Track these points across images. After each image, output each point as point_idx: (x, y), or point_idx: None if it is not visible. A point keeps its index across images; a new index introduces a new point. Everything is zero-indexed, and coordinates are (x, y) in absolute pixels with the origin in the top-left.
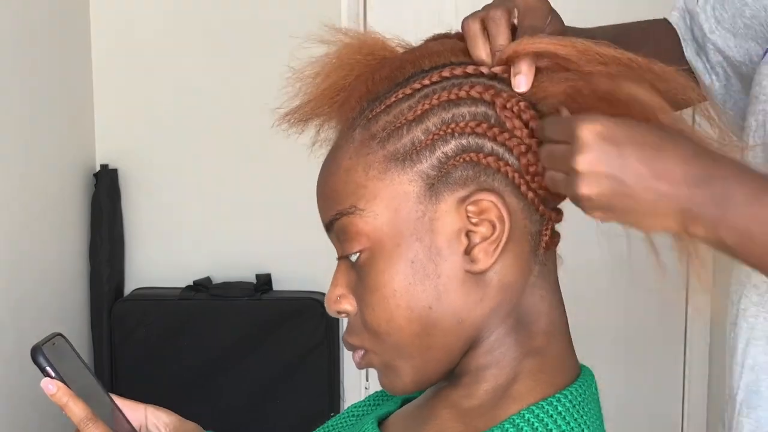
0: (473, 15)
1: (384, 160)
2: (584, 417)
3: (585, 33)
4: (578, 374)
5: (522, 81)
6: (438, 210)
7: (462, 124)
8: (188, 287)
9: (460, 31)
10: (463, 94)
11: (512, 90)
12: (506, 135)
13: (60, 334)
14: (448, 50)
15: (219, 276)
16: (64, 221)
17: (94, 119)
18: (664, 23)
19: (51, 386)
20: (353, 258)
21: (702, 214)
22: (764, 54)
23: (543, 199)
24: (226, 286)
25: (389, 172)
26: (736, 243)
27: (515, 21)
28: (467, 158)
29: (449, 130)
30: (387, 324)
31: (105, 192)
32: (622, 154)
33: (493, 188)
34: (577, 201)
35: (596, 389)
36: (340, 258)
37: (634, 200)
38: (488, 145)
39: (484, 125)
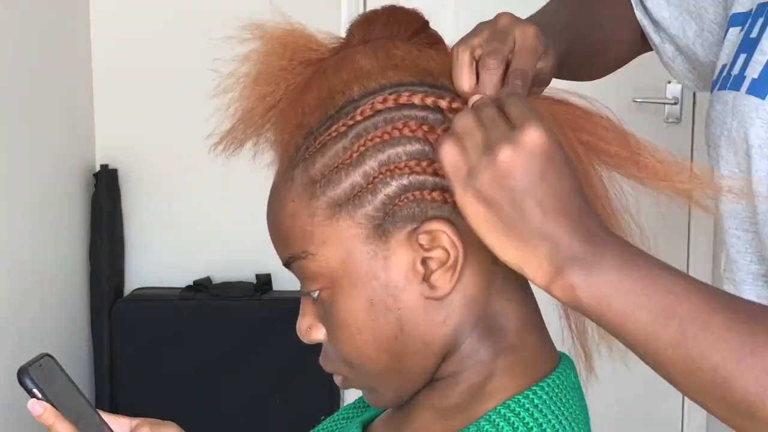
0: (465, 43)
1: (327, 206)
2: (562, 408)
3: (551, 21)
4: (556, 364)
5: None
6: (389, 247)
7: (401, 165)
8: (188, 287)
9: (392, 6)
10: (396, 133)
11: (445, 118)
12: None
13: (48, 355)
14: (377, 70)
15: (219, 276)
16: (64, 221)
17: (94, 119)
18: None
19: (37, 407)
20: (314, 295)
21: (568, 265)
22: (716, 79)
23: None
24: (226, 286)
25: (334, 217)
26: (591, 305)
27: (509, 57)
28: (411, 197)
29: (388, 173)
30: (358, 357)
31: (105, 192)
32: (544, 174)
33: (442, 216)
34: (468, 179)
35: (576, 377)
36: (302, 293)
37: (519, 217)
38: (430, 180)
39: (423, 163)
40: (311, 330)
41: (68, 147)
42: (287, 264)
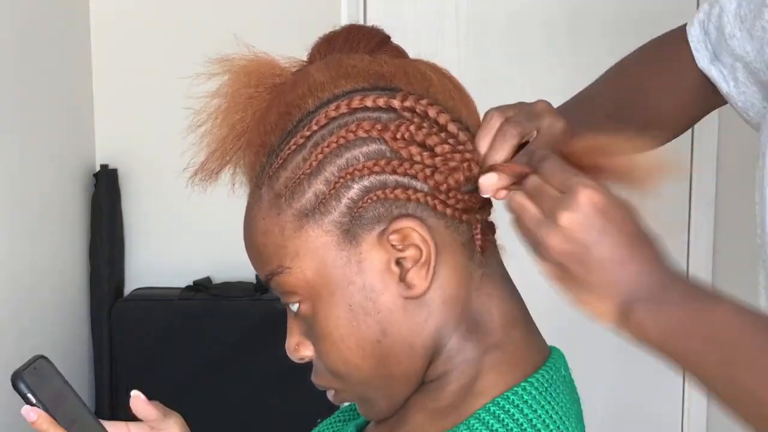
0: (501, 110)
1: (294, 218)
2: (552, 402)
3: (585, 108)
4: (546, 358)
5: (486, 188)
6: (361, 251)
7: (359, 167)
8: (188, 287)
9: (354, 25)
10: (351, 136)
11: (399, 116)
12: (406, 165)
13: (43, 357)
14: (330, 80)
15: (219, 276)
16: (64, 221)
17: (94, 119)
18: (670, 42)
19: (32, 414)
20: (294, 308)
21: (634, 308)
22: None
23: (464, 208)
24: (226, 286)
25: (303, 228)
26: (659, 342)
27: (529, 139)
28: (374, 198)
29: (348, 176)
30: (345, 366)
31: (105, 192)
32: (604, 231)
33: (409, 213)
34: (536, 245)
35: (566, 369)
36: (283, 306)
37: (588, 273)
38: (391, 179)
39: (381, 162)
40: (299, 347)
41: (68, 147)
42: (267, 282)
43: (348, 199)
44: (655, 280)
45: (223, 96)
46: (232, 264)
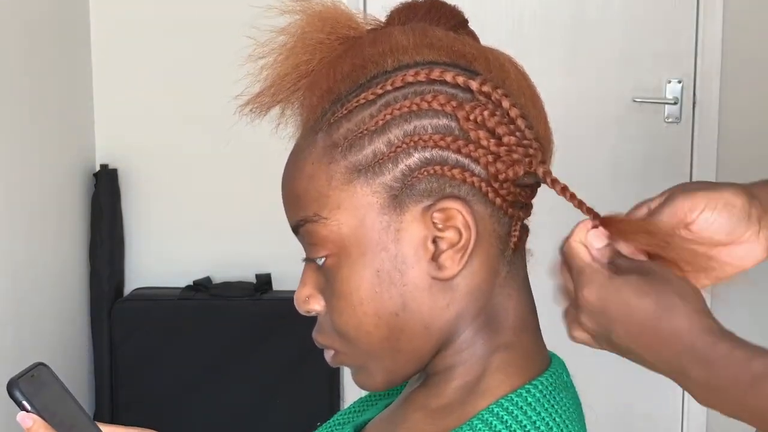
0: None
1: (346, 170)
2: (556, 406)
3: None
4: (548, 364)
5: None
6: (403, 220)
7: (425, 137)
8: (188, 287)
9: None
10: (424, 105)
11: (474, 98)
12: (471, 147)
13: (42, 364)
14: (413, 46)
15: (219, 276)
16: (64, 221)
17: (94, 119)
18: None
19: (27, 420)
20: (319, 262)
21: (684, 378)
22: None
23: (512, 202)
24: (226, 286)
25: (352, 183)
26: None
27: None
28: (431, 171)
29: (412, 143)
30: (355, 330)
31: (105, 192)
32: (609, 328)
33: (459, 196)
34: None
35: (568, 376)
36: (306, 260)
37: (625, 355)
38: (453, 157)
39: (448, 138)
40: (310, 300)
41: (68, 147)
42: (296, 228)
43: (405, 165)
44: (678, 356)
45: (291, 35)
46: (232, 264)
